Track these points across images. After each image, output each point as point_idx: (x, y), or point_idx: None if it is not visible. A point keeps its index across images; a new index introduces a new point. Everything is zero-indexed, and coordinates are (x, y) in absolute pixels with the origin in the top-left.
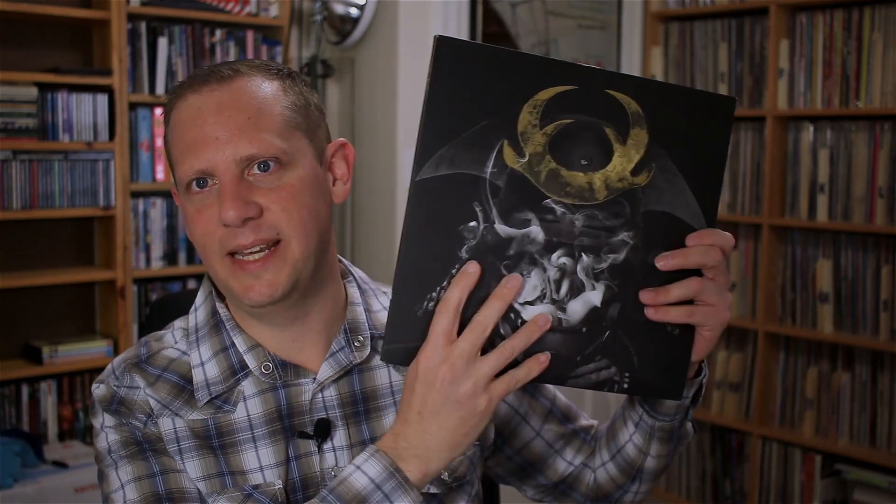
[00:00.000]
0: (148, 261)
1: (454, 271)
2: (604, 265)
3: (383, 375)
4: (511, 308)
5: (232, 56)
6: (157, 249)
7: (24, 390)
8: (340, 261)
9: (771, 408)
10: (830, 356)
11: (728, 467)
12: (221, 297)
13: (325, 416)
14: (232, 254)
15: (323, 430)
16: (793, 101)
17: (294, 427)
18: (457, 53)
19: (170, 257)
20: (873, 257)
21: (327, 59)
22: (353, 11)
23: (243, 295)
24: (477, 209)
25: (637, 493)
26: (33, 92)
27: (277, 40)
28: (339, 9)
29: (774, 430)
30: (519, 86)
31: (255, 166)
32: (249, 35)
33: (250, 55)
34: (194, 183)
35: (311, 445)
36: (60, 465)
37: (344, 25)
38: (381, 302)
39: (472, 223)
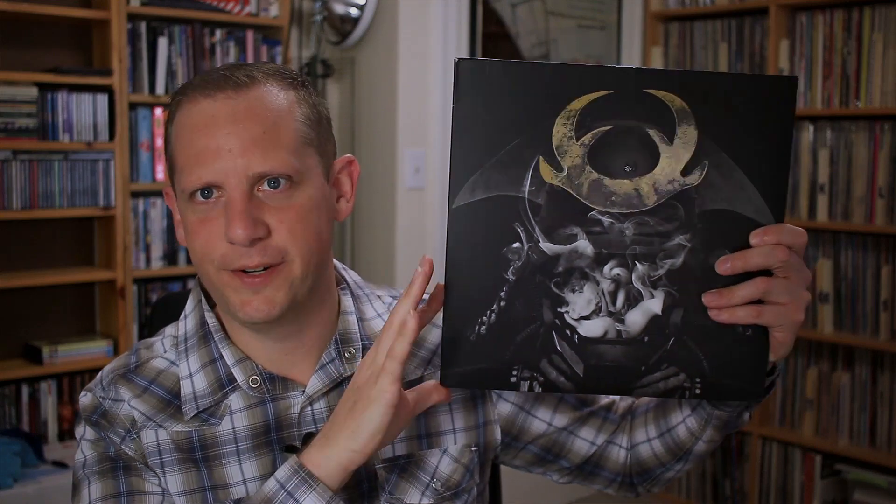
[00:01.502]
0: (148, 261)
1: (503, 293)
2: (661, 272)
3: None
4: (566, 324)
5: (232, 56)
6: (157, 249)
7: (24, 390)
8: (335, 266)
9: (771, 408)
10: (830, 356)
11: (728, 467)
12: (211, 306)
13: (313, 430)
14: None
15: None
16: None
17: (282, 440)
18: (479, 74)
19: (170, 257)
20: (873, 257)
21: (327, 59)
22: (353, 11)
23: (240, 309)
24: (519, 230)
25: (679, 471)
26: (33, 92)
27: (277, 40)
28: (339, 9)
29: (774, 430)
30: (548, 98)
31: (266, 182)
32: (249, 35)
33: (250, 55)
34: (199, 193)
35: None
36: (60, 465)
37: (344, 25)
38: (375, 308)
39: (516, 244)
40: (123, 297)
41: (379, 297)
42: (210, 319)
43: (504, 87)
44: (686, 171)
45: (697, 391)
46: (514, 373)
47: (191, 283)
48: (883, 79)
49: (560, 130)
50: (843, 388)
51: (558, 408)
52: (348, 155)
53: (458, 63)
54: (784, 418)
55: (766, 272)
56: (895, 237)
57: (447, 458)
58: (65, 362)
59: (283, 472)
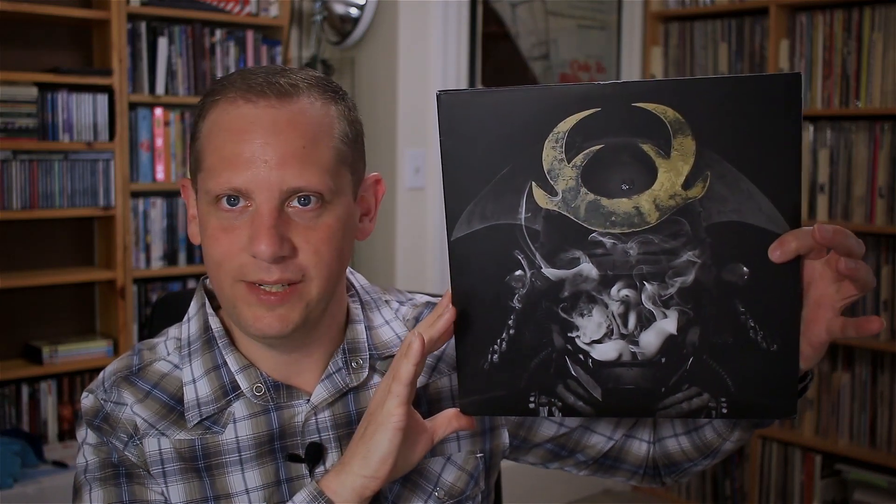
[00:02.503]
0: (148, 261)
1: (511, 321)
2: (672, 290)
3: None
4: (579, 349)
5: (231, 56)
6: (157, 249)
7: (24, 390)
8: None
9: None
10: (830, 356)
11: (728, 467)
12: (215, 308)
13: (317, 440)
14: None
15: (314, 455)
16: None
17: (286, 449)
18: (461, 105)
19: (170, 257)
20: (873, 257)
21: (327, 59)
22: (353, 11)
23: (251, 325)
24: (519, 257)
25: (708, 465)
26: (33, 92)
27: (277, 40)
28: (339, 9)
29: (774, 430)
30: (535, 123)
31: (297, 199)
32: (249, 35)
33: (250, 55)
34: (225, 199)
35: (303, 469)
36: (60, 465)
37: (344, 25)
38: (383, 315)
39: (518, 272)
40: (123, 297)
41: (387, 301)
42: (214, 323)
43: (489, 116)
44: (687, 185)
45: (724, 410)
46: (532, 399)
47: (191, 283)
48: (883, 79)
49: (550, 154)
50: (843, 388)
51: None
52: (375, 173)
53: (439, 97)
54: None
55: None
56: (895, 237)
57: (451, 466)
58: (65, 362)
59: (301, 497)
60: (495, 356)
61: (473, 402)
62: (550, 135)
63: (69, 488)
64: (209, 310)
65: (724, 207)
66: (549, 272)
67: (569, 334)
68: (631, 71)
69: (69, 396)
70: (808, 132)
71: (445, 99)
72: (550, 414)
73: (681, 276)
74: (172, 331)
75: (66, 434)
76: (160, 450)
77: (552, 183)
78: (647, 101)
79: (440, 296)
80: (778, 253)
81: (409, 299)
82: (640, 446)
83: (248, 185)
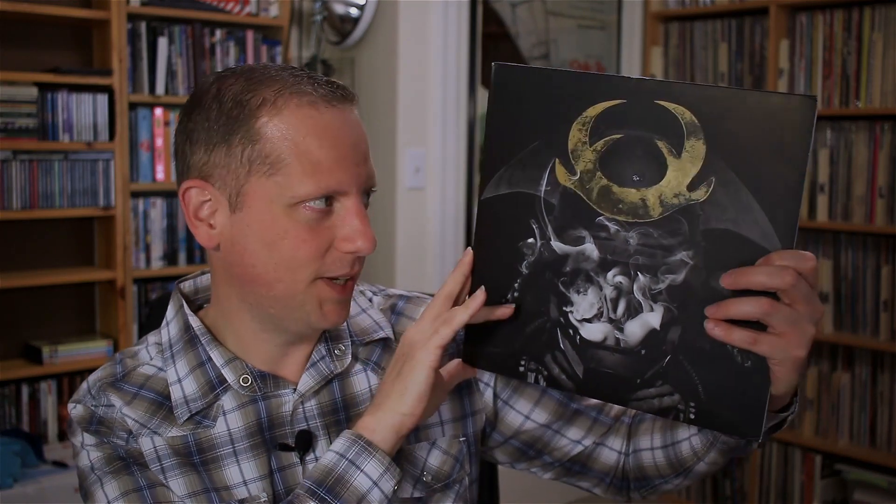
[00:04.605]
0: (148, 261)
1: (517, 285)
2: (662, 286)
3: (362, 381)
4: (570, 324)
5: (231, 56)
6: (157, 249)
7: (24, 390)
8: None
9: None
10: (830, 356)
11: (728, 467)
12: (193, 308)
13: (306, 428)
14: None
15: (304, 442)
16: None
17: (275, 439)
18: (513, 78)
19: (170, 257)
20: (873, 257)
21: (327, 59)
22: (353, 11)
23: (322, 317)
24: (534, 226)
25: (678, 485)
26: (33, 92)
27: (277, 40)
28: (339, 9)
29: None
30: (569, 104)
31: (368, 195)
32: (249, 35)
33: (250, 55)
34: (314, 201)
35: (294, 457)
36: (60, 465)
37: (344, 25)
38: (359, 304)
39: (531, 240)
40: (123, 297)
41: (361, 291)
42: (194, 322)
43: (532, 92)
44: (692, 187)
45: (692, 416)
46: (523, 363)
47: None
48: (883, 79)
49: (576, 135)
50: (843, 388)
51: (540, 402)
52: None
53: (495, 68)
54: None
55: (774, 297)
56: (895, 237)
57: (436, 451)
58: (65, 362)
59: (340, 443)
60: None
61: (475, 354)
62: (579, 118)
63: (69, 488)
64: (188, 311)
65: (722, 215)
66: (557, 245)
67: (563, 308)
68: (631, 71)
69: (69, 396)
70: None
71: (500, 71)
72: (536, 381)
73: (672, 273)
74: (152, 337)
75: (66, 434)
76: (155, 447)
77: (573, 163)
78: (669, 100)
79: (425, 293)
80: (730, 280)
81: (381, 290)
82: (609, 455)
83: (342, 187)
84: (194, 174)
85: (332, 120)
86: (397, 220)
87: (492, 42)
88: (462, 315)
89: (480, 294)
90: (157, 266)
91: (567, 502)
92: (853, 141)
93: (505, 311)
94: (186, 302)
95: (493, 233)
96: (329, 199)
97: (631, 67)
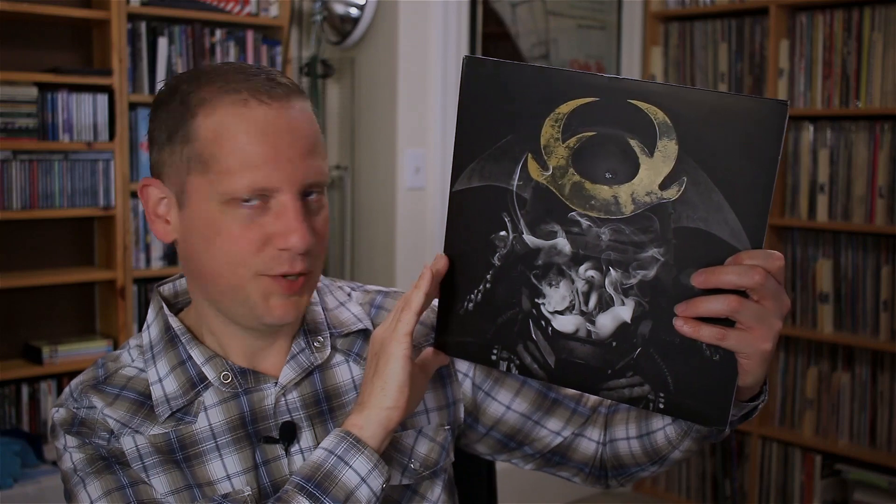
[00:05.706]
0: (148, 261)
1: (489, 276)
2: (633, 281)
3: (344, 372)
4: (542, 315)
5: (232, 56)
6: (157, 249)
7: (24, 390)
8: None
9: (771, 408)
10: (830, 356)
11: (728, 467)
12: (174, 311)
13: (289, 420)
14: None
15: (288, 434)
16: (793, 100)
17: (259, 433)
18: (483, 72)
19: (170, 257)
20: (873, 257)
21: (327, 59)
22: (353, 11)
23: (268, 313)
24: (506, 219)
25: (654, 472)
26: (33, 92)
27: (277, 40)
28: (339, 9)
29: (774, 430)
30: (541, 100)
31: (311, 192)
32: (249, 35)
33: (250, 55)
34: (247, 198)
35: (279, 450)
36: None
37: (344, 25)
38: (336, 298)
39: (503, 233)
40: (123, 297)
41: (340, 287)
42: (175, 323)
43: (504, 86)
44: (664, 185)
45: (661, 406)
46: (495, 352)
47: None
48: (883, 79)
49: (548, 131)
50: (843, 388)
51: (520, 392)
52: None
53: (465, 60)
54: (784, 418)
55: (742, 294)
56: (895, 237)
57: (423, 439)
58: (65, 362)
59: (329, 440)
60: (470, 304)
61: (447, 342)
62: (552, 114)
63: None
64: (168, 312)
65: (693, 214)
66: (529, 239)
67: (536, 300)
68: (631, 71)
69: None
70: (809, 132)
71: (470, 61)
72: (508, 370)
73: (644, 269)
74: (133, 340)
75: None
76: (136, 446)
77: (546, 158)
78: (642, 99)
79: (397, 290)
80: (701, 279)
81: (360, 287)
82: (588, 445)
83: (273, 184)
84: (154, 172)
85: (265, 116)
86: (397, 220)
87: (492, 42)
88: (417, 295)
89: (427, 273)
90: (157, 266)
91: (568, 502)
92: (853, 141)
93: (441, 261)
94: (167, 305)
95: (464, 225)
96: (265, 196)
97: (631, 67)
